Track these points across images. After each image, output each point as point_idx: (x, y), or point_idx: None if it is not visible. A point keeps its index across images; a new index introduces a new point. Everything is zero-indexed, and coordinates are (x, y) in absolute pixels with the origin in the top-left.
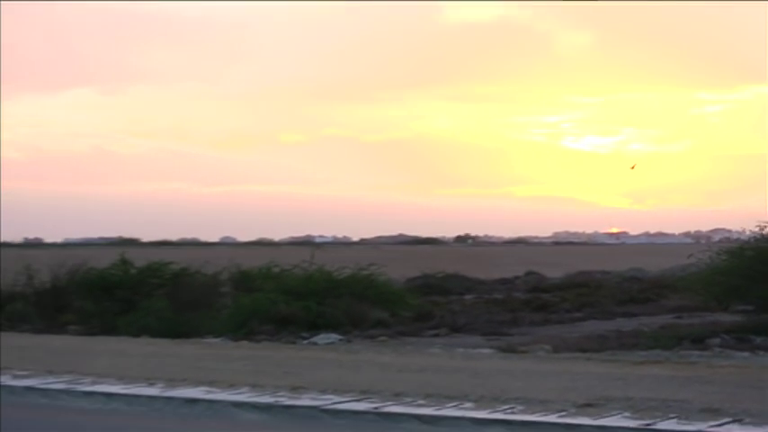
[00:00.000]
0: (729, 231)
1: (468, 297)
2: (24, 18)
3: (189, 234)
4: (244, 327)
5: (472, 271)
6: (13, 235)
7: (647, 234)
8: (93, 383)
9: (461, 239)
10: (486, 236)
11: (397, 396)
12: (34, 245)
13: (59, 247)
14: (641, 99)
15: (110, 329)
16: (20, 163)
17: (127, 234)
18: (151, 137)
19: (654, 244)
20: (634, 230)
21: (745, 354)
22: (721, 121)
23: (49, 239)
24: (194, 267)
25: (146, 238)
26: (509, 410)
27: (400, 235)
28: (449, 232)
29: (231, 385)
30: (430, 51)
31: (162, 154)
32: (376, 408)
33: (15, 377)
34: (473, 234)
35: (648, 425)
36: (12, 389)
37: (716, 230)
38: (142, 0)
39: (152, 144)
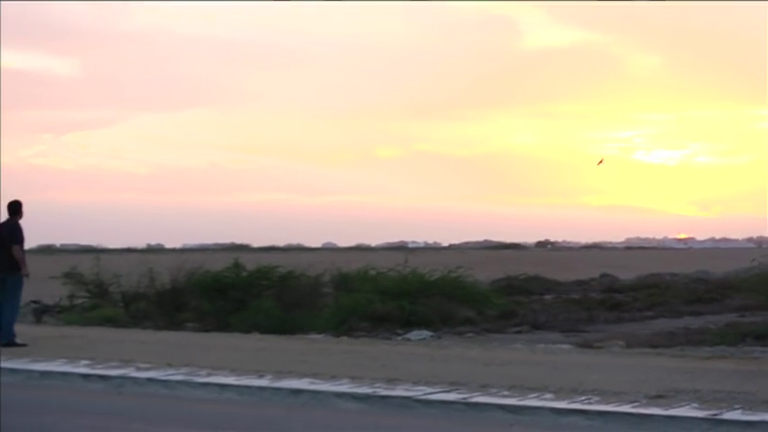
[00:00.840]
0: None
1: (547, 297)
2: (149, 47)
3: (294, 240)
4: (344, 324)
5: (551, 273)
6: (137, 241)
7: (712, 239)
8: (209, 375)
9: (541, 245)
10: (564, 241)
11: (483, 387)
12: (156, 250)
13: (178, 252)
14: (707, 116)
15: (223, 326)
16: (145, 177)
17: (238, 240)
18: (260, 153)
19: (719, 248)
20: (700, 236)
21: None
22: None
23: (168, 245)
24: (299, 270)
25: (255, 244)
26: (586, 401)
27: (485, 240)
28: (530, 238)
29: (332, 377)
30: (512, 74)
31: (270, 169)
32: (464, 398)
33: (138, 369)
34: (552, 240)
35: (715, 415)
36: (135, 380)
37: None
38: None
39: (261, 159)
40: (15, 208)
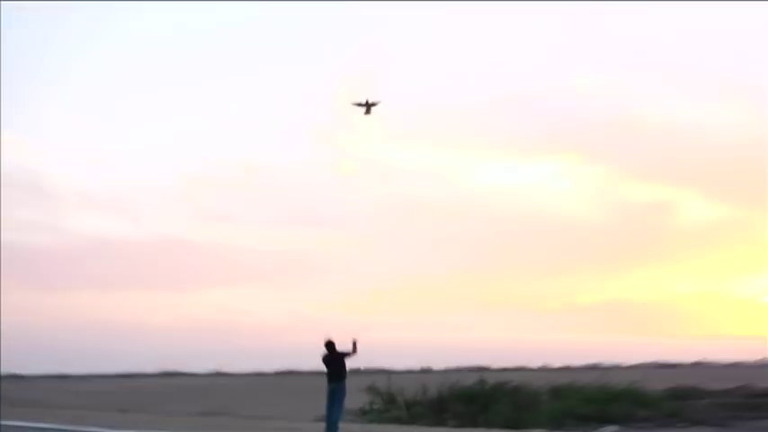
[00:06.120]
0: None
1: (703, 401)
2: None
3: (521, 363)
4: (556, 422)
5: (702, 384)
6: (413, 364)
7: None
8: None
9: (695, 365)
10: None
11: None
12: (426, 372)
13: (440, 372)
14: None
15: (472, 424)
16: None
17: (481, 363)
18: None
19: None
20: None
21: None
22: None
23: (435, 368)
24: (524, 384)
25: (494, 366)
26: None
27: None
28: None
29: None
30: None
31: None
32: None
33: None
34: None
35: None
36: None
37: None
38: None
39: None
40: (330, 345)
